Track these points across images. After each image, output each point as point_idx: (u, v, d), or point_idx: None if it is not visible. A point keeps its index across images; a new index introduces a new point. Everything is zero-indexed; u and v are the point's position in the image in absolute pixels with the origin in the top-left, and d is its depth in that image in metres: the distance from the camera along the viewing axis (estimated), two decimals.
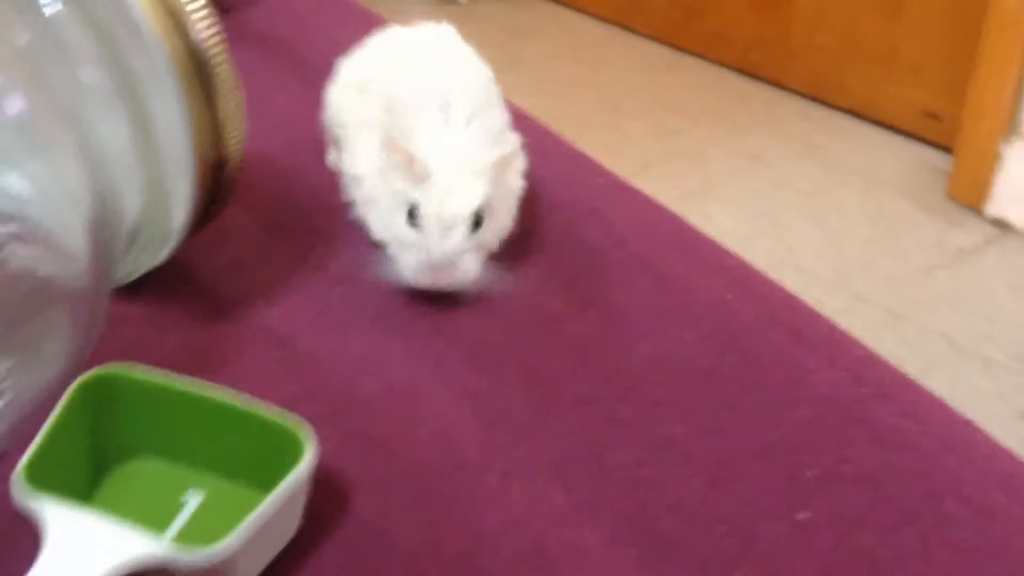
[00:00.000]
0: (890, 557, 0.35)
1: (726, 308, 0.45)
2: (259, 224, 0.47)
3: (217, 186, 0.40)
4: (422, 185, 0.42)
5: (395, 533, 0.35)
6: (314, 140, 0.53)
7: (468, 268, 0.43)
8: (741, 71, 2.38)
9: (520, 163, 0.48)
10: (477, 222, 0.43)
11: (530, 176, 0.50)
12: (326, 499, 0.36)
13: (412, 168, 0.42)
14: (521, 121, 0.56)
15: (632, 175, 0.54)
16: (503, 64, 0.59)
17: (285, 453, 0.33)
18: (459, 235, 0.42)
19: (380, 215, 0.45)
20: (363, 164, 0.46)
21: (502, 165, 0.44)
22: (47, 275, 0.34)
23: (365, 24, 0.60)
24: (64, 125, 0.34)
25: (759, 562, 0.35)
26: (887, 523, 0.36)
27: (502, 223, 0.45)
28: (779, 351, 0.43)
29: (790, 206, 1.85)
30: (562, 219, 0.49)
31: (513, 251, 0.47)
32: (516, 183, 0.47)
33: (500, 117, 0.47)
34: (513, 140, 0.47)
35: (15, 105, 0.31)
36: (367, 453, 0.38)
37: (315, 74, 0.54)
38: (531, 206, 0.50)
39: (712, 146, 2.10)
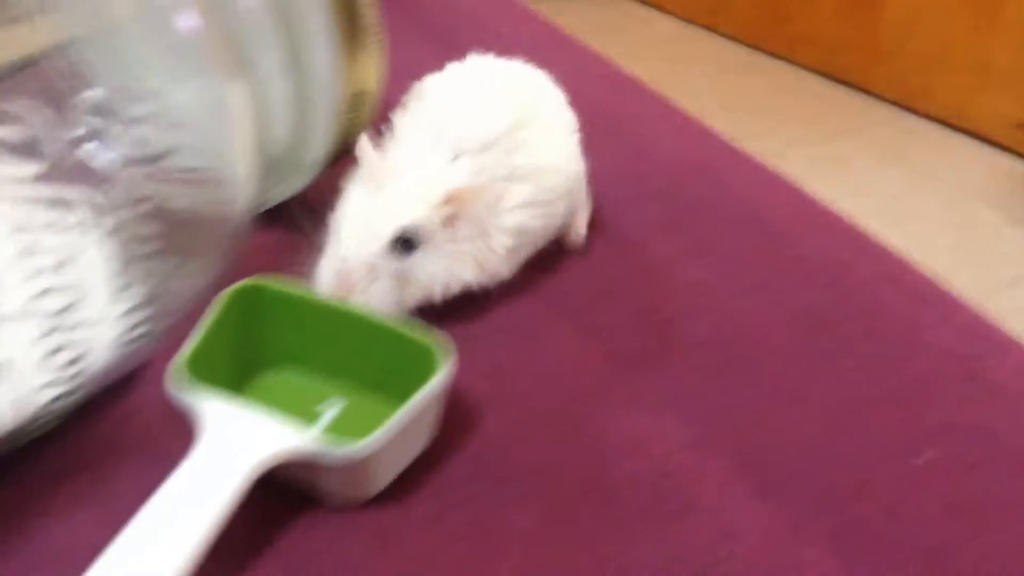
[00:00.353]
0: (1004, 503, 0.36)
1: (840, 264, 0.46)
2: None
3: (353, 122, 0.42)
4: (372, 190, 0.39)
5: (520, 452, 0.36)
6: None
7: (377, 295, 0.38)
8: (826, 75, 2.36)
9: (534, 192, 0.41)
10: (408, 246, 0.38)
11: (639, 135, 0.51)
12: (455, 417, 0.37)
13: (371, 172, 0.39)
14: (629, 85, 0.58)
15: None
16: None
17: (421, 368, 0.35)
18: (373, 247, 0.38)
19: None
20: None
21: (461, 200, 0.39)
22: (204, 191, 0.35)
23: (510, 14, 0.62)
24: (227, 49, 0.36)
25: (876, 499, 0.36)
26: (1001, 471, 0.37)
27: (454, 271, 0.40)
28: (894, 307, 0.44)
29: (873, 212, 1.82)
30: (674, 174, 0.51)
31: (626, 200, 0.48)
32: (500, 241, 0.41)
33: (517, 161, 0.41)
34: (523, 195, 0.41)
35: (188, 21, 0.33)
36: (493, 378, 0.39)
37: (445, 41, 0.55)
38: (642, 161, 0.51)
39: (795, 150, 2.09)
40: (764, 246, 0.46)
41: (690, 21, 2.62)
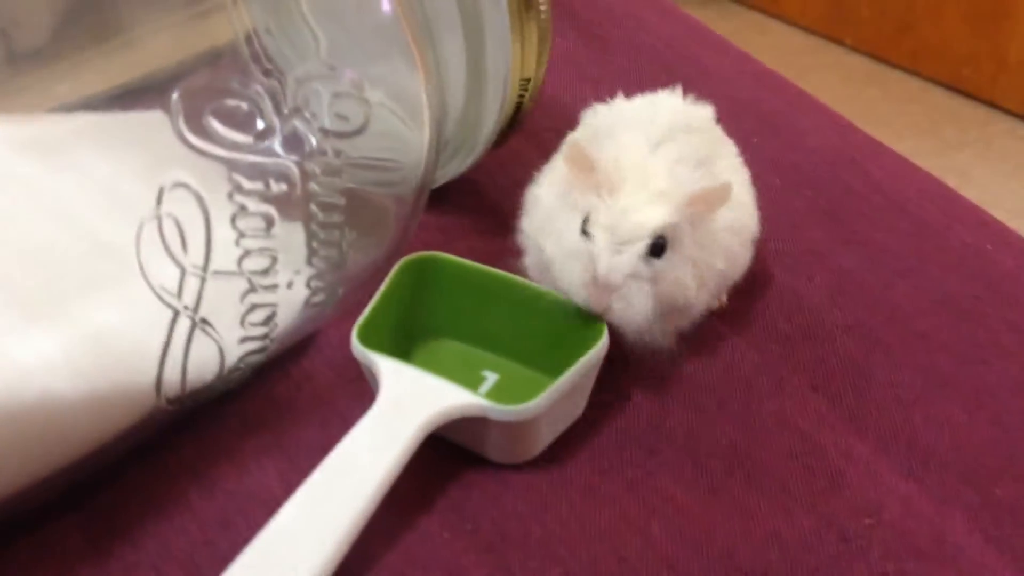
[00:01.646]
0: None
1: (985, 256, 0.46)
2: (536, 152, 0.51)
3: (520, 105, 0.44)
4: (602, 196, 0.37)
5: (670, 425, 0.38)
6: (587, 88, 0.57)
7: (635, 301, 0.36)
8: (949, 86, 2.31)
9: (735, 219, 0.39)
10: (658, 249, 0.36)
11: (789, 128, 0.52)
12: (606, 389, 0.39)
13: (594, 177, 0.37)
14: (778, 82, 0.59)
15: None
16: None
17: (579, 341, 0.37)
18: (632, 254, 0.36)
19: (552, 231, 0.38)
20: (544, 183, 0.41)
21: (703, 202, 0.37)
22: (390, 167, 0.38)
23: (655, 7, 0.64)
24: (420, 31, 0.38)
25: (1022, 478, 0.37)
26: None
27: (692, 276, 0.37)
28: None
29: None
30: (821, 165, 0.52)
31: (778, 188, 0.49)
32: (727, 242, 0.39)
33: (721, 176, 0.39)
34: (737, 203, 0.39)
35: (385, 4, 0.36)
36: (636, 363, 0.40)
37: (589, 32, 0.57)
38: (792, 151, 0.52)
39: (917, 162, 2.06)
40: (909, 236, 0.47)
41: (811, 31, 2.60)
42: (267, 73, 0.33)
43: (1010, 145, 2.09)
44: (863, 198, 0.49)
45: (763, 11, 2.72)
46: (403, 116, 0.38)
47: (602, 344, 0.36)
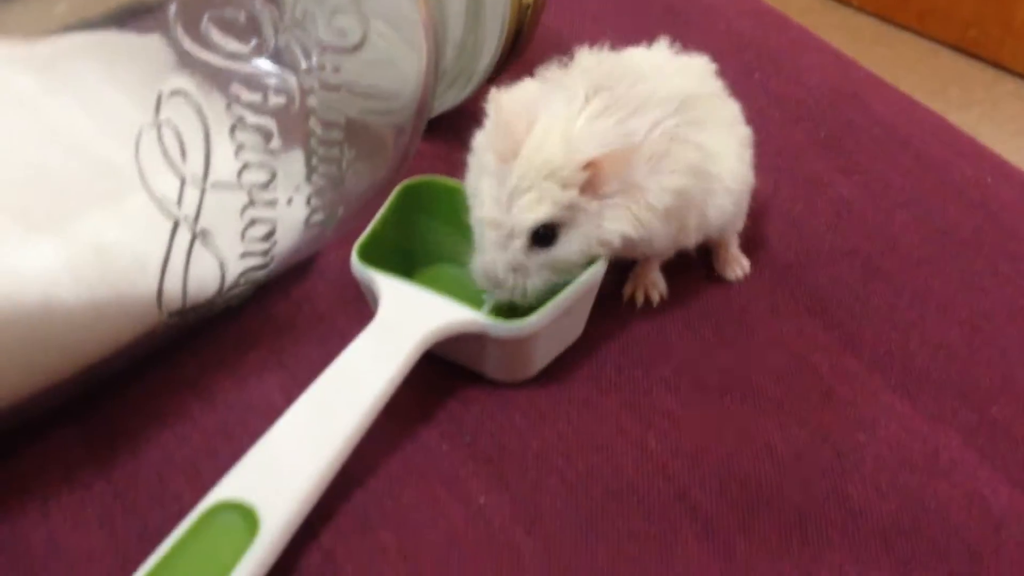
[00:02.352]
0: None
1: (985, 188, 0.46)
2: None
3: (519, 32, 0.44)
4: (501, 162, 0.35)
5: (671, 344, 0.38)
6: (587, 24, 0.57)
7: (529, 285, 0.36)
8: (956, 48, 2.30)
9: (702, 164, 0.37)
10: (545, 238, 0.35)
11: (791, 64, 0.52)
12: (606, 314, 0.39)
13: (500, 139, 0.35)
14: (781, 20, 0.59)
15: None
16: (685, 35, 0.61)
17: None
18: (513, 250, 0.35)
19: (475, 195, 0.37)
20: (483, 136, 0.38)
21: (601, 168, 0.34)
22: (389, 96, 0.38)
23: None
24: None
25: (1015, 402, 0.37)
26: None
27: (609, 229, 0.35)
28: None
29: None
30: (824, 99, 0.52)
31: (779, 121, 0.49)
32: (659, 198, 0.36)
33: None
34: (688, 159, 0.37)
35: None
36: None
37: None
38: (794, 86, 0.52)
39: None
40: (911, 168, 0.47)
41: None
42: None
43: (1016, 106, 2.08)
44: (864, 131, 0.49)
45: None
46: (402, 44, 0.38)
47: (599, 266, 0.36)
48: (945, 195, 0.46)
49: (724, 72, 0.41)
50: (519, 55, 0.46)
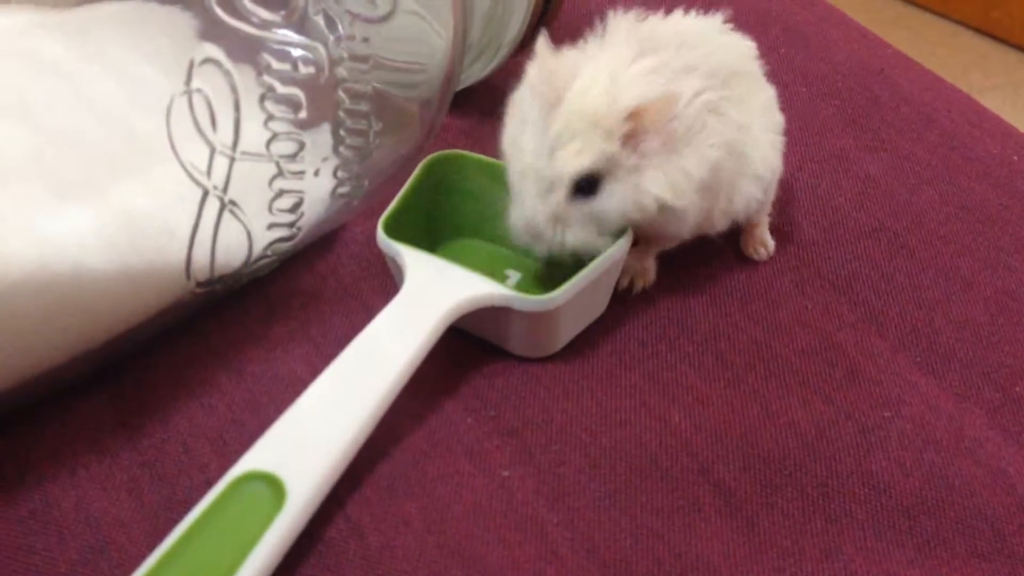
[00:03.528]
0: None
1: (1012, 166, 0.46)
2: None
3: (547, 5, 0.44)
4: (544, 109, 0.35)
5: (695, 320, 0.38)
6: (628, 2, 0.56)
7: (570, 238, 0.35)
8: (979, 30, 2.28)
9: (736, 142, 0.37)
10: (588, 187, 0.34)
11: (818, 40, 0.52)
12: (629, 290, 0.39)
13: (544, 87, 0.35)
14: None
15: None
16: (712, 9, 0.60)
17: None
18: (553, 201, 0.35)
19: (515, 149, 0.36)
20: (526, 87, 0.37)
21: (646, 117, 0.34)
22: (416, 69, 0.38)
23: None
24: None
25: None
26: None
27: (645, 189, 0.35)
28: None
29: None
30: (851, 75, 0.51)
31: (806, 97, 0.49)
32: (695, 166, 0.35)
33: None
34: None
35: None
36: (665, 259, 0.41)
37: None
38: (821, 62, 0.52)
39: None
40: (937, 145, 0.47)
41: None
42: None
43: None
44: (891, 108, 0.49)
45: None
46: (429, 15, 0.38)
47: (623, 241, 0.36)
48: (971, 173, 0.46)
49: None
50: (548, 27, 0.46)
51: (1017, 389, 0.36)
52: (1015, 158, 0.47)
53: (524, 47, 0.46)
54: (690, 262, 0.40)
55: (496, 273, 0.39)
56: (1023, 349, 0.38)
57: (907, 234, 0.42)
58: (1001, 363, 0.37)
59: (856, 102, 0.49)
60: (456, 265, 0.36)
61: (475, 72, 0.46)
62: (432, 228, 0.40)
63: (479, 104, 0.48)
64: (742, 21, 0.42)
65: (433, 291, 0.35)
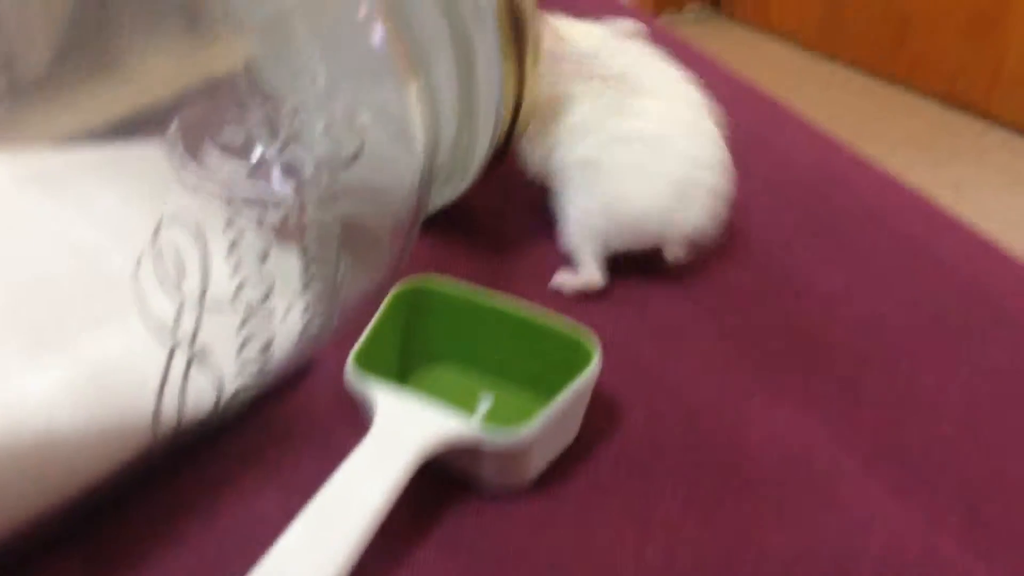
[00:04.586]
0: None
1: (973, 271, 0.47)
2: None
3: (512, 129, 0.45)
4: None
5: (665, 444, 0.39)
6: None
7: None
8: (944, 100, 2.32)
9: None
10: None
11: (776, 148, 0.53)
12: (601, 412, 0.39)
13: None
14: (766, 102, 0.60)
15: None
16: None
17: (571, 362, 0.37)
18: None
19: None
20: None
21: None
22: (384, 193, 0.39)
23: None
24: (411, 59, 0.39)
25: (1012, 497, 0.37)
26: None
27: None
28: None
29: (994, 238, 1.80)
30: (810, 184, 0.52)
31: (767, 208, 0.50)
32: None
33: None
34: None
35: (377, 34, 0.36)
36: (638, 374, 0.41)
37: None
38: (780, 171, 0.53)
39: (911, 175, 2.06)
40: (899, 253, 0.48)
41: (805, 47, 2.61)
42: (263, 103, 0.34)
43: (1004, 157, 2.10)
44: (851, 216, 0.50)
45: (757, 28, 2.74)
46: (396, 142, 0.39)
47: (592, 368, 0.37)
48: (933, 280, 0.46)
49: None
50: (514, 148, 0.47)
51: (988, 507, 0.37)
52: (975, 261, 0.47)
53: (492, 169, 0.47)
54: (660, 377, 0.41)
55: (469, 397, 0.39)
56: (990, 466, 0.38)
57: (874, 348, 0.43)
58: (970, 481, 0.37)
59: (818, 212, 0.50)
60: (427, 401, 0.36)
61: (445, 195, 0.47)
62: (404, 354, 0.40)
63: (450, 224, 0.48)
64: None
65: (403, 432, 0.35)
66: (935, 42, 2.32)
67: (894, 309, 0.45)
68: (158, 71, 0.36)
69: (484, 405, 0.39)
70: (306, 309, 0.36)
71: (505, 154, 0.47)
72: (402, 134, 0.38)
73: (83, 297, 0.32)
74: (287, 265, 0.35)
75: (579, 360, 0.37)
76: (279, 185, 0.34)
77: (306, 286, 0.36)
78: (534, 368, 0.39)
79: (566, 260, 0.46)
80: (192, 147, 0.32)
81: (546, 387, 0.38)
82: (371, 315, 0.39)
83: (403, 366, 0.40)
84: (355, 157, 0.36)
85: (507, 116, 0.45)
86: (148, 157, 0.33)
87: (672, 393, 0.41)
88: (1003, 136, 2.18)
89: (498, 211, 0.49)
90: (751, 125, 0.57)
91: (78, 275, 0.32)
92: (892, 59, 2.43)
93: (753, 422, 0.40)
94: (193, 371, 0.33)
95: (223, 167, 0.32)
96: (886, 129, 2.27)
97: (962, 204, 1.95)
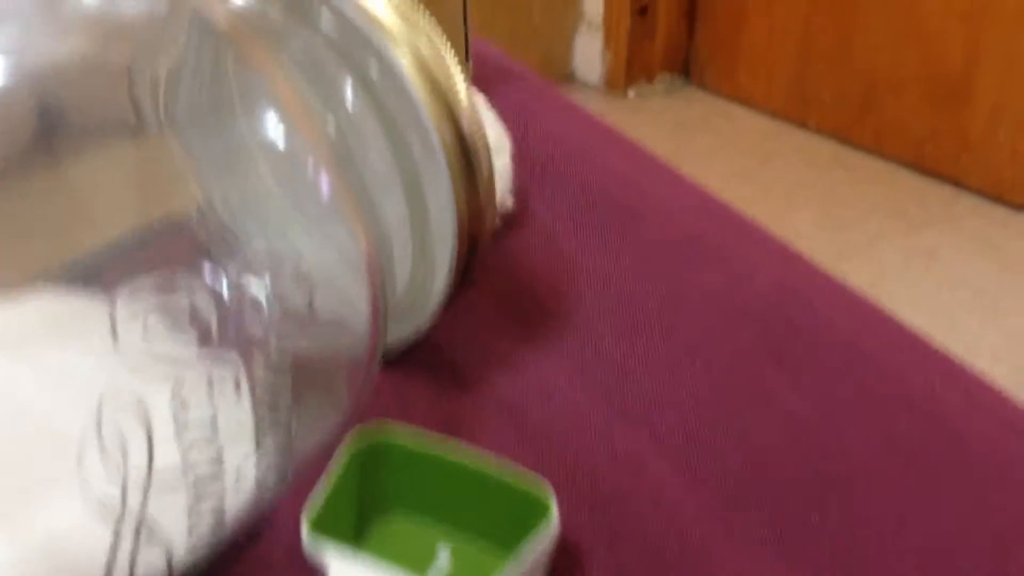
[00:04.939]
0: None
1: (934, 395, 0.47)
2: (493, 305, 0.51)
3: (469, 263, 0.45)
4: None
5: None
6: (536, 223, 0.58)
7: None
8: (914, 166, 2.35)
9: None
10: None
11: (734, 262, 0.53)
12: (564, 556, 0.39)
13: None
14: (723, 212, 0.60)
15: None
16: (668, 158, 0.63)
17: (529, 513, 0.37)
18: None
19: None
20: None
21: None
22: (336, 335, 0.38)
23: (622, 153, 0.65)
24: (358, 203, 0.39)
25: None
26: None
27: None
28: (988, 438, 0.44)
29: (967, 306, 1.81)
30: (769, 300, 0.52)
31: (722, 326, 0.50)
32: None
33: None
34: None
35: (324, 184, 0.37)
36: (596, 513, 0.41)
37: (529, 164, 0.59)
38: (736, 288, 0.53)
39: (883, 242, 2.09)
40: (860, 374, 0.48)
41: (775, 115, 2.64)
42: (214, 264, 0.34)
43: (976, 224, 2.12)
44: (811, 335, 0.50)
45: (727, 97, 2.77)
46: (349, 281, 0.39)
47: (549, 527, 0.36)
48: (896, 405, 0.46)
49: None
50: (473, 282, 0.47)
51: None
52: (937, 386, 0.47)
53: (451, 302, 0.47)
54: (615, 517, 0.40)
55: (427, 551, 0.39)
56: None
57: (835, 477, 0.43)
58: None
59: (776, 330, 0.50)
60: (382, 566, 0.35)
61: (404, 332, 0.47)
62: (362, 503, 0.40)
63: (411, 359, 0.48)
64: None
65: None
66: (902, 109, 2.36)
67: (855, 435, 0.45)
68: (112, 210, 0.36)
69: (442, 559, 0.39)
70: (259, 465, 0.36)
71: (464, 287, 0.47)
72: (355, 274, 0.38)
73: (30, 464, 0.32)
74: (237, 421, 0.35)
75: (537, 513, 0.37)
76: (227, 350, 0.34)
77: (259, 443, 0.35)
78: (493, 519, 0.39)
79: (537, 391, 0.46)
80: (135, 317, 0.32)
81: (505, 538, 0.37)
82: (327, 458, 0.38)
83: (360, 516, 0.40)
84: (305, 314, 0.36)
85: (463, 250, 0.45)
86: (96, 315, 0.33)
87: (633, 531, 0.40)
88: (974, 202, 2.20)
89: (461, 344, 0.49)
90: (711, 240, 0.58)
91: (25, 439, 0.32)
92: (860, 125, 2.47)
93: (713, 556, 0.39)
94: (142, 544, 0.32)
95: (168, 341, 0.32)
96: (858, 196, 2.29)
97: (935, 271, 1.97)
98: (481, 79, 0.70)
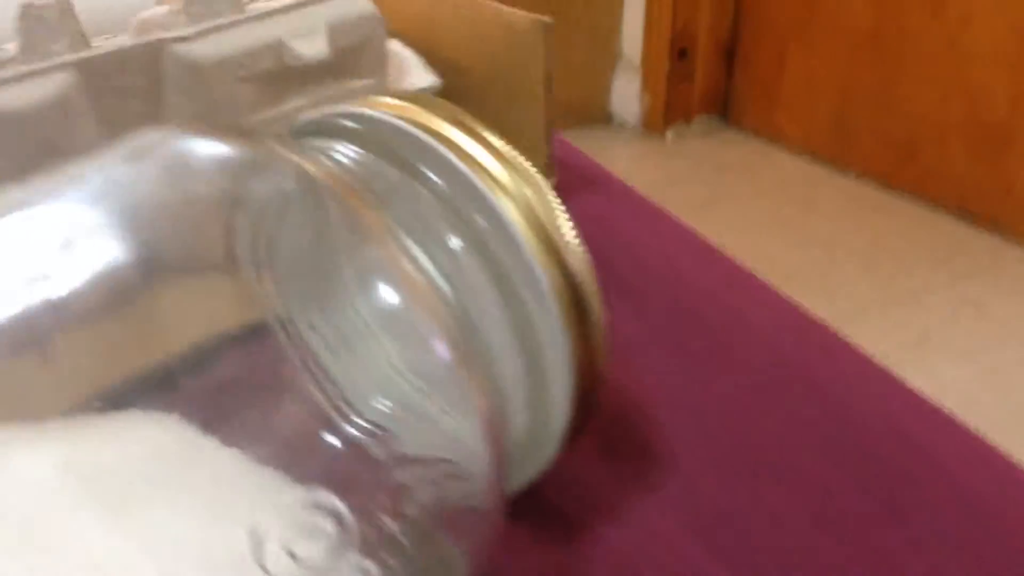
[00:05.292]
0: None
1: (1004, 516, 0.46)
2: (598, 448, 0.51)
3: (586, 411, 0.44)
4: None
5: None
6: (618, 341, 0.57)
7: None
8: (956, 213, 2.33)
9: None
10: None
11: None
12: None
13: None
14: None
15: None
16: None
17: None
18: None
19: None
20: None
21: None
22: (464, 504, 0.38)
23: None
24: (479, 361, 0.38)
25: None
26: None
27: None
28: None
29: (1019, 360, 1.79)
30: (865, 433, 0.51)
31: (821, 469, 0.49)
32: None
33: None
34: None
35: (442, 349, 0.36)
36: None
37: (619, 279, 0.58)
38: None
39: (929, 293, 2.07)
40: (959, 514, 0.47)
41: (816, 159, 2.63)
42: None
43: (1021, 272, 2.10)
44: (928, 490, 0.49)
45: (767, 140, 2.76)
46: (471, 432, 0.38)
47: None
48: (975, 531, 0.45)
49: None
50: (595, 414, 0.46)
51: None
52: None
53: (569, 447, 0.46)
54: None
55: None
56: None
57: None
58: None
59: (886, 478, 0.49)
60: None
61: (521, 479, 0.46)
62: None
63: (515, 507, 0.47)
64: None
65: None
66: (945, 155, 2.34)
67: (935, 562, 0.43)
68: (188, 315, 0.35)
69: None
70: None
71: (580, 432, 0.46)
72: (481, 437, 0.37)
73: None
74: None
75: None
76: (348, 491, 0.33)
77: None
78: None
79: (647, 542, 0.45)
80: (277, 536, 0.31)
81: None
82: None
83: None
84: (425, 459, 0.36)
85: (581, 396, 0.44)
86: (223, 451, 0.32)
87: None
88: (1018, 253, 2.18)
89: (565, 488, 0.48)
90: (813, 370, 0.57)
91: None
92: (903, 171, 2.45)
93: None
94: None
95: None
96: (902, 244, 2.28)
97: (985, 323, 1.94)
98: (562, 183, 0.70)
